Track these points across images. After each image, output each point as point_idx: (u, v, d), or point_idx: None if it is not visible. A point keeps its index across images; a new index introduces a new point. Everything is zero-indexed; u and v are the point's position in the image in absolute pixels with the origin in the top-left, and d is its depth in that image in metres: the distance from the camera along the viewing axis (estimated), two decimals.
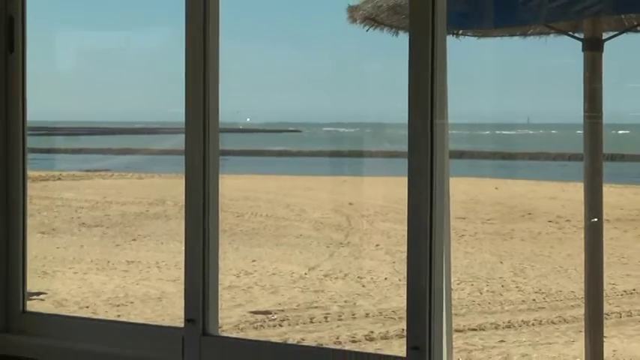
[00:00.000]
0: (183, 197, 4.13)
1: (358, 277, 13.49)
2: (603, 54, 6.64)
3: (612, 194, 12.48)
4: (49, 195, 18.64)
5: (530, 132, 26.93)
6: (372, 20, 6.60)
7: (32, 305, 4.70)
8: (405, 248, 3.67)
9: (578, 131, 7.39)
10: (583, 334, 7.71)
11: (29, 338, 4.49)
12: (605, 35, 6.64)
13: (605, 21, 6.73)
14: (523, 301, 12.26)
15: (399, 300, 11.24)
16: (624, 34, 6.85)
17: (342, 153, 24.45)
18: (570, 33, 6.74)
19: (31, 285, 4.69)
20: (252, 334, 10.56)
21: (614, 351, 9.63)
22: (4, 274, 4.56)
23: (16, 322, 4.55)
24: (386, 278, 13.10)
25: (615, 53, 6.99)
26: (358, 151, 22.52)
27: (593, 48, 6.58)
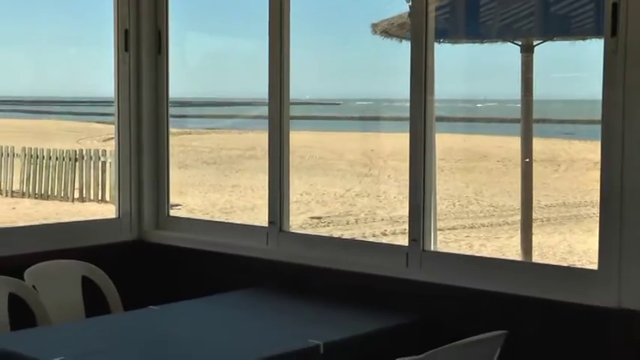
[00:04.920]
0: (267, 145, 4.14)
1: (377, 196, 13.47)
2: (534, 55, 6.55)
3: (538, 144, 12.33)
4: (183, 144, 18.62)
5: (486, 105, 26.63)
6: (386, 32, 6.52)
7: (173, 212, 4.73)
8: (407, 177, 3.67)
9: (517, 105, 7.29)
10: (519, 232, 7.70)
11: (171, 233, 4.52)
12: (535, 42, 6.54)
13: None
14: (481, 211, 12.22)
15: (403, 210, 11.19)
16: (547, 42, 6.74)
17: (366, 117, 24.26)
18: (512, 41, 6.64)
19: (173, 199, 4.71)
20: (310, 231, 10.59)
21: (538, 243, 9.59)
22: (156, 193, 4.59)
23: (163, 222, 4.59)
24: (394, 197, 13.07)
25: (542, 54, 6.89)
26: (377, 116, 22.31)
27: (527, 51, 6.49)
